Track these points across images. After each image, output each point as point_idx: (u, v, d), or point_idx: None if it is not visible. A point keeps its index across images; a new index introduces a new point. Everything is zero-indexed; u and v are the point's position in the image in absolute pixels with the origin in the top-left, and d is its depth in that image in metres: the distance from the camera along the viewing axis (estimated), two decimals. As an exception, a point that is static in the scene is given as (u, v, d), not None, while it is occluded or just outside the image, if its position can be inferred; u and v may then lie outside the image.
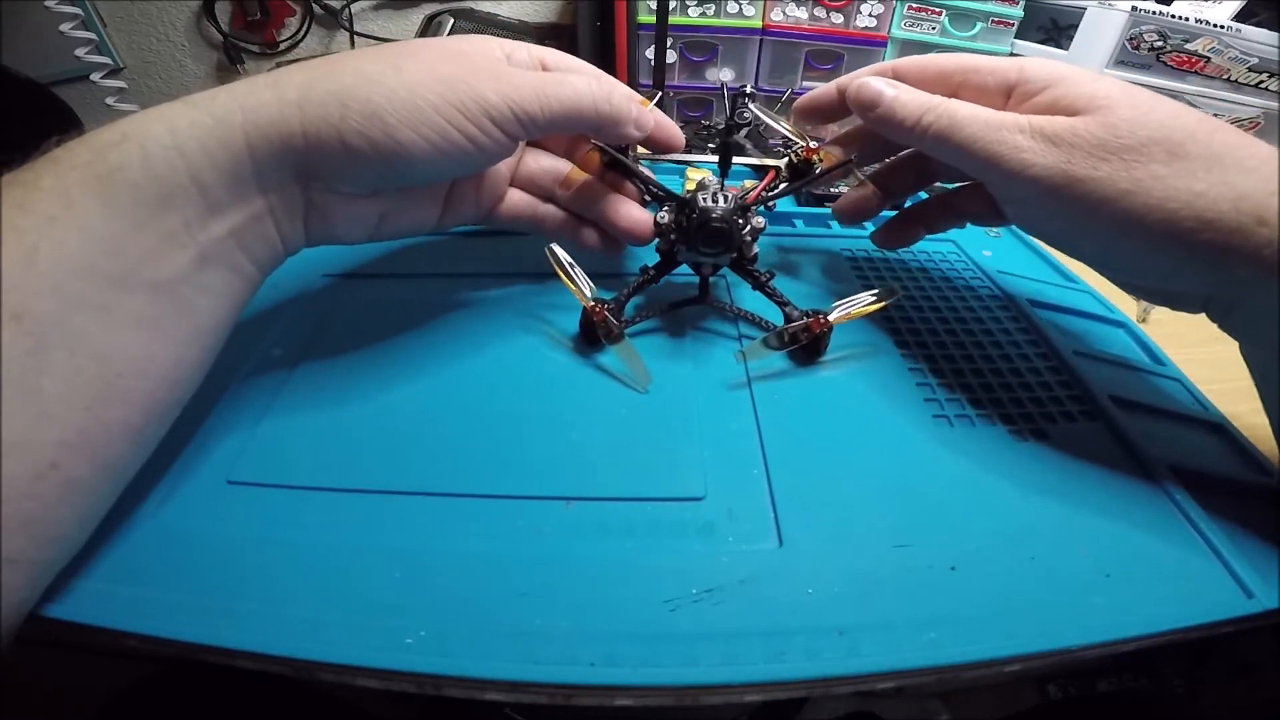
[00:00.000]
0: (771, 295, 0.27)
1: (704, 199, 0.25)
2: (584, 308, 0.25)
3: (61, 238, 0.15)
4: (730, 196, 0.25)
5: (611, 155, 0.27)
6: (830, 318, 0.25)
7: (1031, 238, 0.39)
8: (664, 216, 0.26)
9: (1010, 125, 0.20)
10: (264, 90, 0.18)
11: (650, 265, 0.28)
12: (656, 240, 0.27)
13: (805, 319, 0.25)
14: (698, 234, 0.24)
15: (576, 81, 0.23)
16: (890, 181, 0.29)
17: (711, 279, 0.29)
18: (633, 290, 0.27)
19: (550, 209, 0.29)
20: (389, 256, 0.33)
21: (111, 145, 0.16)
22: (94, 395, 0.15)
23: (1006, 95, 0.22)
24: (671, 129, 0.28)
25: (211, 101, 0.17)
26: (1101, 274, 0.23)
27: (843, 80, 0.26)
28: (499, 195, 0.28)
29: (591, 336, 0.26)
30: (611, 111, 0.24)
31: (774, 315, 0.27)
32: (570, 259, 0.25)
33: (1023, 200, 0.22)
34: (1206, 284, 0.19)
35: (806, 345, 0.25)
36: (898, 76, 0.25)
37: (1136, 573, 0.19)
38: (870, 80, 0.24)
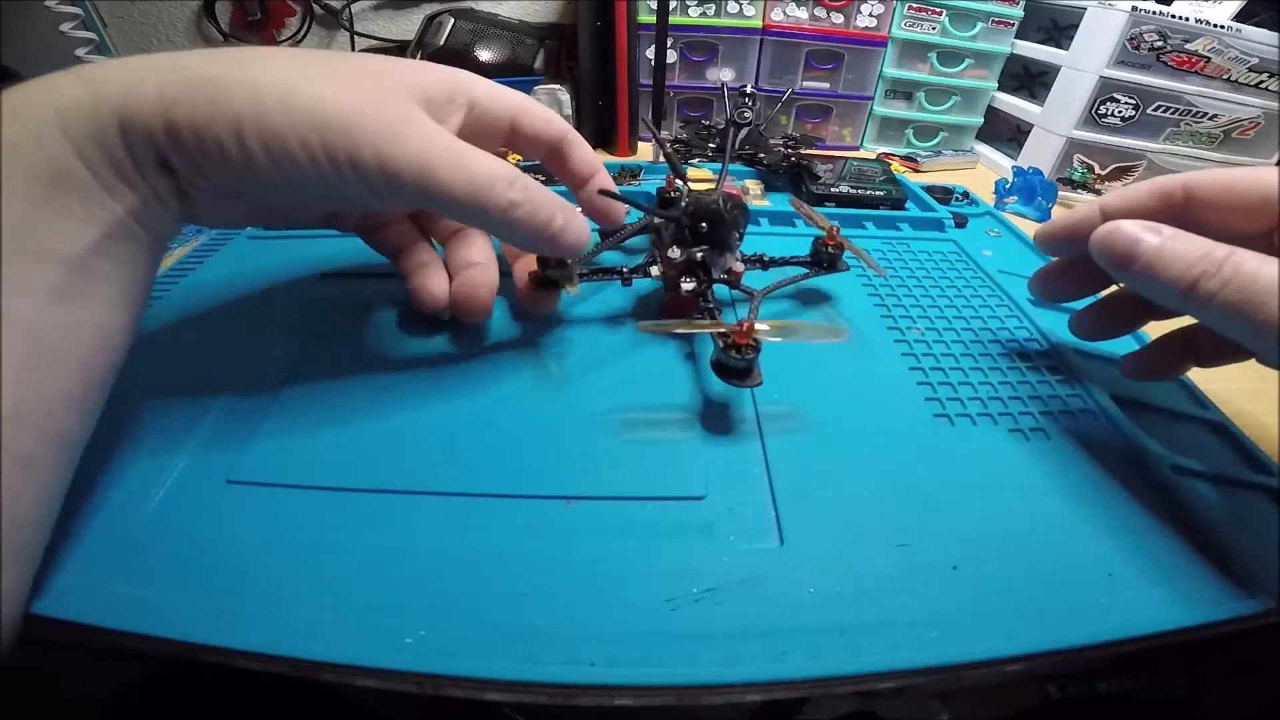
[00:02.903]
0: (775, 262, 0.29)
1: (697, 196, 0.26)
2: (732, 338, 0.22)
3: None
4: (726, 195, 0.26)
5: (548, 278, 0.26)
6: (757, 327, 0.22)
7: (1021, 227, 0.39)
8: (675, 252, 0.26)
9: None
10: (147, 80, 0.17)
11: (698, 295, 0.26)
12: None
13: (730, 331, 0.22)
14: (692, 220, 0.25)
15: (478, 166, 0.19)
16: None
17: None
18: (712, 307, 0.26)
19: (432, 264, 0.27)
20: (389, 256, 0.33)
21: (3, 121, 0.16)
22: (26, 367, 0.15)
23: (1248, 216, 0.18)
24: (611, 212, 0.27)
25: (92, 80, 0.16)
26: None
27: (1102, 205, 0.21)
28: (382, 219, 0.27)
29: (750, 368, 0.22)
30: (505, 220, 0.20)
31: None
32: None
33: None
34: None
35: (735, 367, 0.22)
36: (1201, 198, 0.19)
37: (1138, 572, 0.19)
38: (1125, 226, 0.18)
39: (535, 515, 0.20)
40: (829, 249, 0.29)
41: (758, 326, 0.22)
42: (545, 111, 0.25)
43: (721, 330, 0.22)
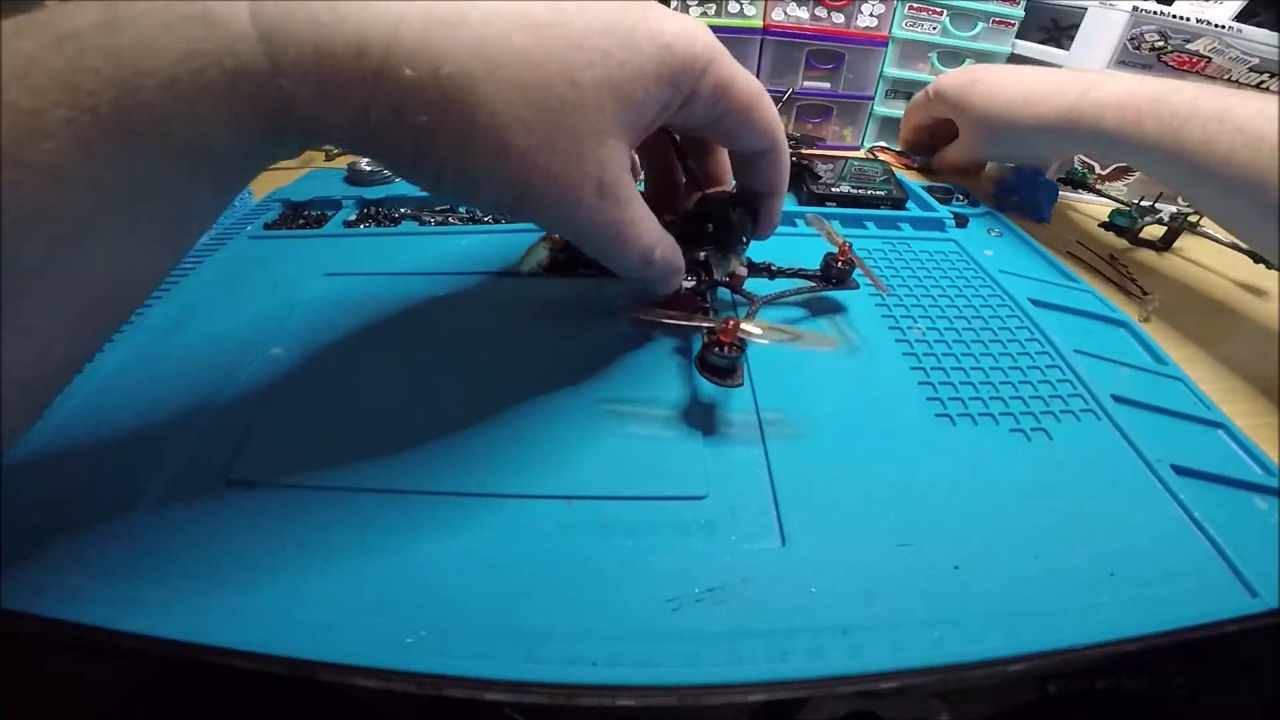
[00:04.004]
0: (784, 273, 0.29)
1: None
2: (718, 333, 0.22)
3: None
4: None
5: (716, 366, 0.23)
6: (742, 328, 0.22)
7: (1022, 227, 0.39)
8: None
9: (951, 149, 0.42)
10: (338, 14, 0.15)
11: (695, 296, 0.26)
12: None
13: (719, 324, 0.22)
14: (697, 219, 0.25)
15: (634, 243, 0.20)
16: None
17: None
18: (713, 304, 0.26)
19: None
20: (390, 256, 0.33)
21: None
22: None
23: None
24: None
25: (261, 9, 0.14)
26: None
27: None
28: None
29: (733, 366, 0.22)
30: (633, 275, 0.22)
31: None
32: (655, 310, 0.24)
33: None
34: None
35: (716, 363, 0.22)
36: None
37: (1140, 572, 0.19)
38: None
39: (536, 515, 0.20)
40: (839, 265, 0.29)
41: (744, 327, 0.22)
42: (771, 115, 0.22)
43: (709, 326, 0.22)
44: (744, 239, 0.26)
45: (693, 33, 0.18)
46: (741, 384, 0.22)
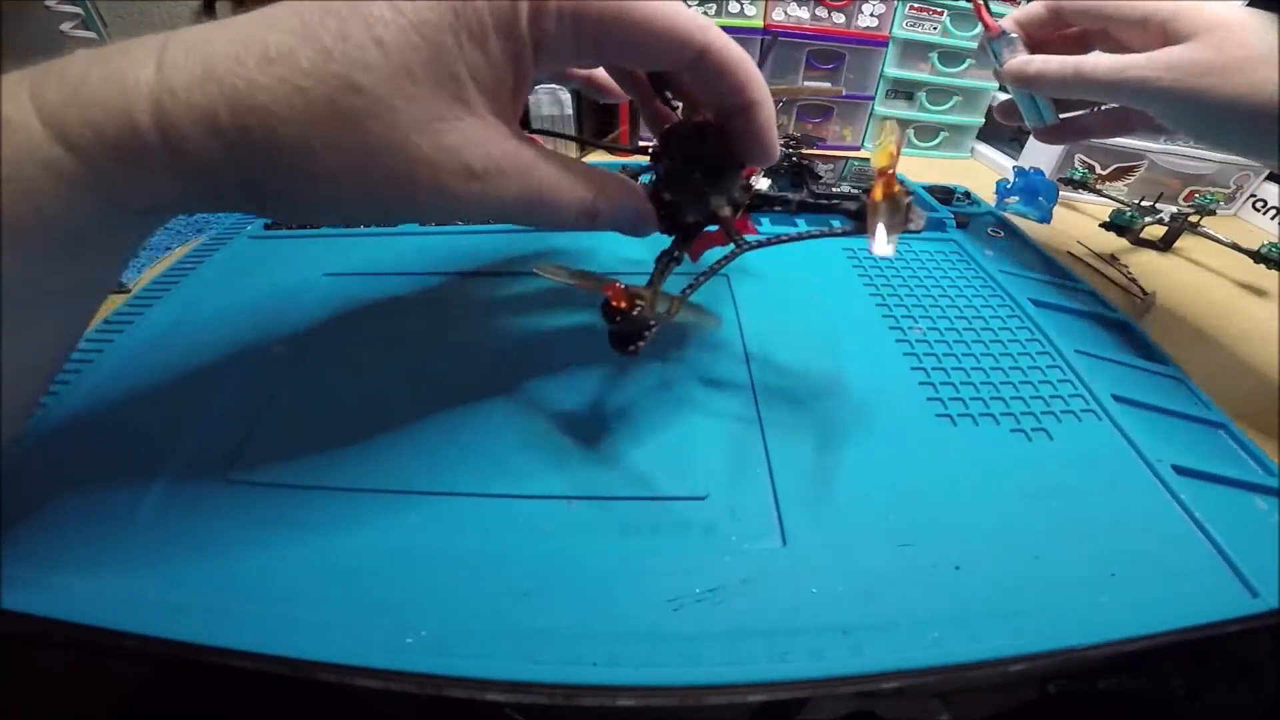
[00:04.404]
0: (818, 207, 0.24)
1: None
2: (607, 299, 0.18)
3: None
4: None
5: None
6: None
7: (1022, 227, 0.39)
8: (650, 178, 0.22)
9: (1131, 64, 0.27)
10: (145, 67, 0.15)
11: (667, 248, 0.22)
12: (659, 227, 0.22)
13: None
14: (678, 151, 0.21)
15: (566, 197, 0.18)
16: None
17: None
18: (658, 277, 0.21)
19: None
20: (390, 255, 0.33)
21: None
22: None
23: (1142, 26, 0.28)
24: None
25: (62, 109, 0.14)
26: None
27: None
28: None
29: (627, 334, 0.19)
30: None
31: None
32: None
33: (1161, 111, 0.27)
34: None
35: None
36: (1065, 10, 0.31)
37: (1141, 572, 0.19)
38: (1013, 61, 0.31)
39: (536, 515, 0.20)
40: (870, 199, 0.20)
41: (639, 294, 0.18)
42: (671, 15, 0.17)
43: (595, 287, 0.19)
44: (728, 172, 0.21)
45: None
46: (635, 354, 0.19)
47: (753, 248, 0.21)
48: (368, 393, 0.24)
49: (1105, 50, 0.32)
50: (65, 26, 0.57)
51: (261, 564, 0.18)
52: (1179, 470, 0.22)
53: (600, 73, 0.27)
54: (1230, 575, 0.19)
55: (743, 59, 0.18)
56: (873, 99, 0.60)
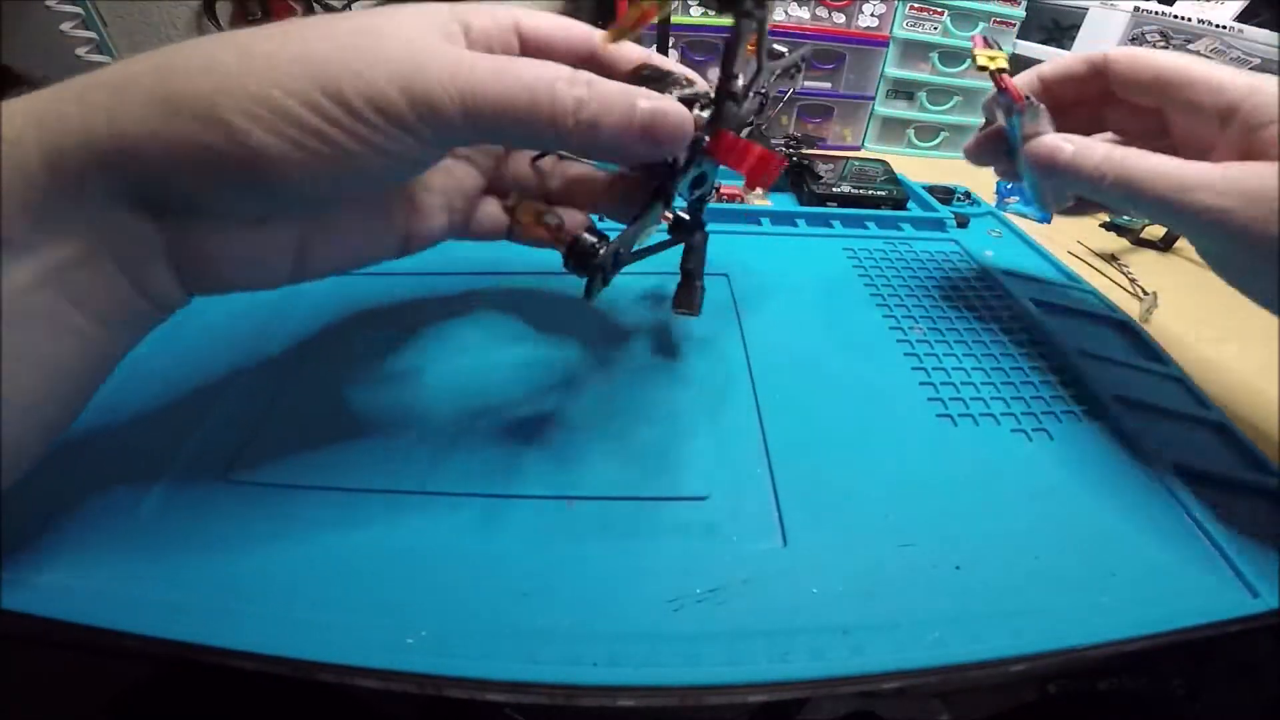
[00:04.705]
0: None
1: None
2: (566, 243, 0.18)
3: None
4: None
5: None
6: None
7: (1023, 227, 0.39)
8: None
9: (1200, 184, 0.19)
10: (69, 98, 0.14)
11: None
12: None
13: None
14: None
15: (526, 71, 0.15)
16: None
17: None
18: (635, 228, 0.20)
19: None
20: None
21: None
22: None
23: (1222, 119, 0.21)
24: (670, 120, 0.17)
25: (9, 119, 0.14)
26: None
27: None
28: (461, 207, 0.22)
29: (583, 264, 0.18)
30: (581, 124, 0.16)
31: None
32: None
33: (1213, 246, 0.21)
34: None
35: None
36: (1115, 71, 0.24)
37: (1141, 572, 0.19)
38: (1045, 140, 0.24)
39: (537, 515, 0.20)
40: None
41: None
42: (550, 17, 0.19)
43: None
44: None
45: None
46: (590, 298, 0.19)
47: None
48: (368, 393, 0.24)
49: (1137, 127, 0.25)
50: (65, 26, 0.57)
51: (262, 564, 0.18)
52: (1180, 470, 0.22)
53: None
54: (1230, 575, 0.19)
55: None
56: (873, 99, 0.60)
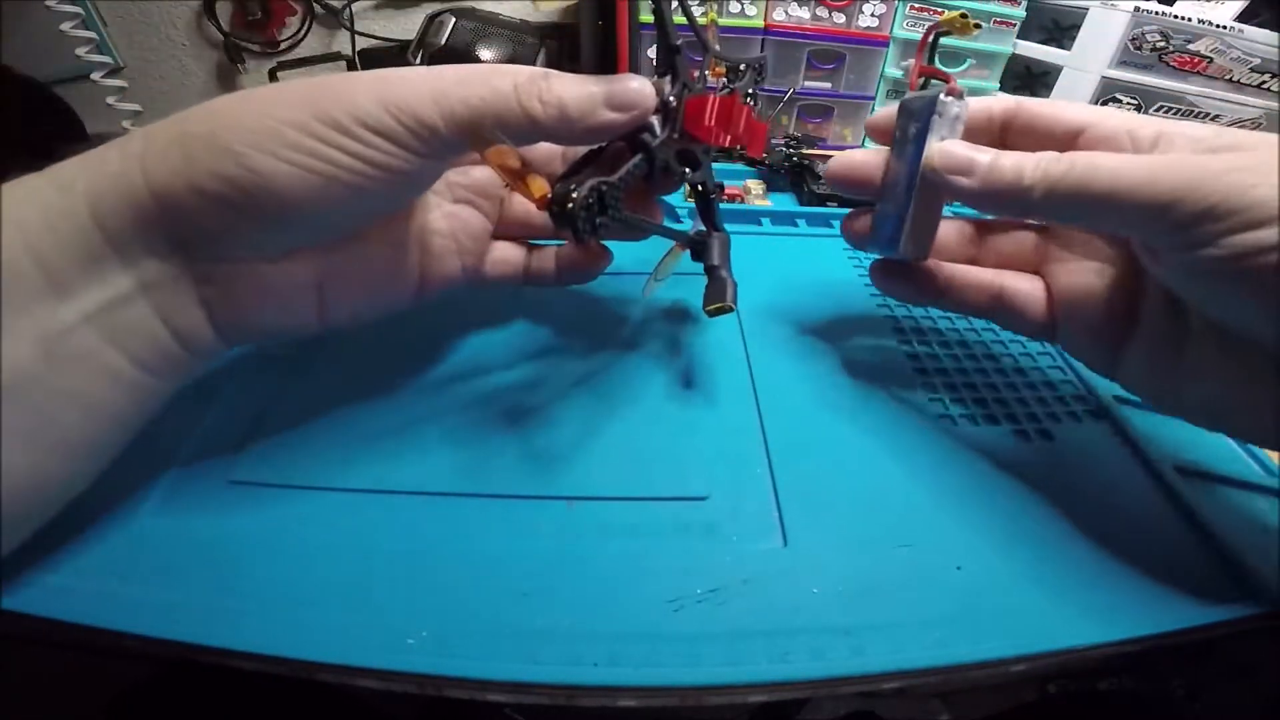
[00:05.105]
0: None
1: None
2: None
3: None
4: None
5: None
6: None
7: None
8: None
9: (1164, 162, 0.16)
10: (111, 150, 0.15)
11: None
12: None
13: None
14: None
15: (490, 71, 0.17)
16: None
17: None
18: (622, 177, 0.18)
19: (546, 256, 0.25)
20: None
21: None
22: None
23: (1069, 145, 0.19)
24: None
25: (57, 172, 0.15)
26: None
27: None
28: (472, 249, 0.23)
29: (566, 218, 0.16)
30: (538, 103, 0.17)
31: None
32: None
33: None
34: None
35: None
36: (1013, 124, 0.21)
37: (1142, 572, 0.19)
38: (951, 148, 0.20)
39: (537, 516, 0.20)
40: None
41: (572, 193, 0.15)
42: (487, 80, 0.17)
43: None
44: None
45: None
46: (580, 240, 0.16)
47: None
48: (368, 394, 0.24)
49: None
50: (65, 27, 0.57)
51: (262, 564, 0.18)
52: (1181, 471, 0.22)
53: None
54: (1230, 575, 0.19)
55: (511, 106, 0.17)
56: (873, 99, 0.60)
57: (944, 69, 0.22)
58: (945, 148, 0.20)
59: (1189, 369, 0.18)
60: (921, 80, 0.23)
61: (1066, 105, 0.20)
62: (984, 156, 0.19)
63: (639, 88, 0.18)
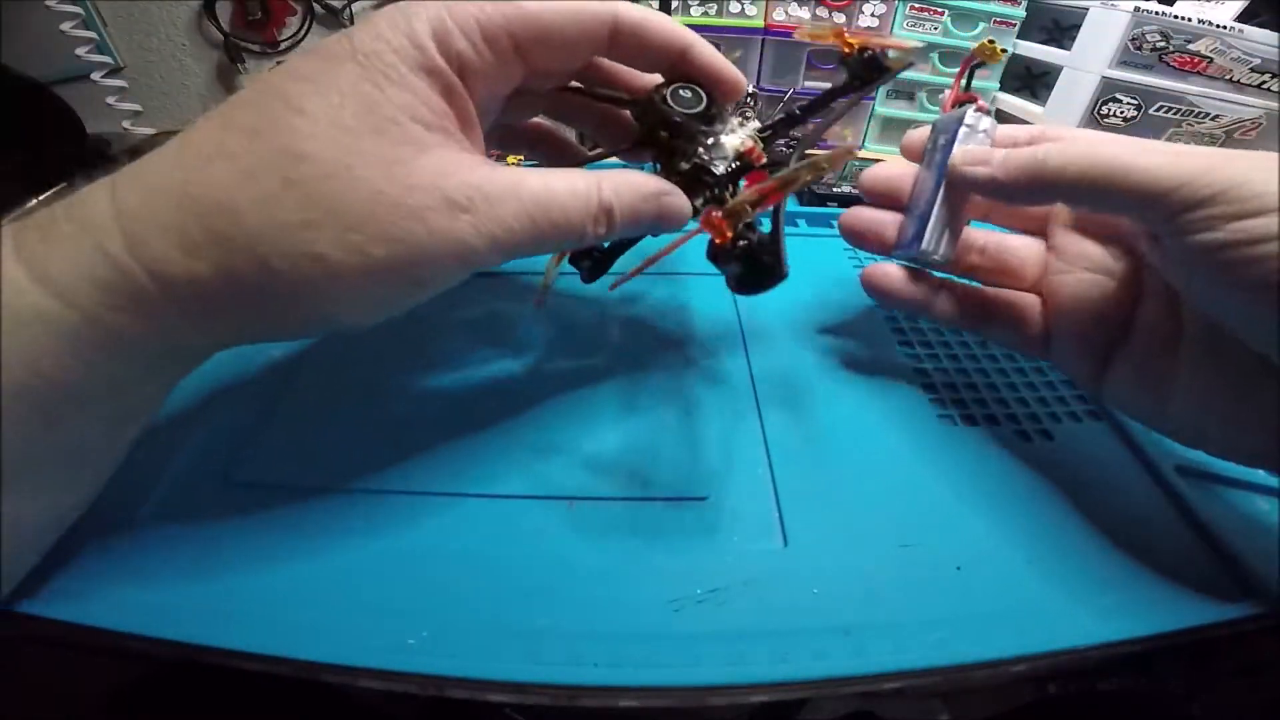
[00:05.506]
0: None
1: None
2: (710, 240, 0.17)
3: None
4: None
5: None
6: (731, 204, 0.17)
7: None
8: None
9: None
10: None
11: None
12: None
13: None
14: (644, 112, 0.20)
15: (574, 213, 0.17)
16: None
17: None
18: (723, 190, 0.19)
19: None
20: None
21: None
22: None
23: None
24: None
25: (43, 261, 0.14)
26: None
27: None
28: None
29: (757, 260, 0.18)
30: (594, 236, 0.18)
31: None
32: None
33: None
34: None
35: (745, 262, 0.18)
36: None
37: (1143, 572, 0.19)
38: (971, 147, 0.22)
39: (538, 516, 0.20)
40: (854, 56, 0.21)
41: (731, 204, 0.16)
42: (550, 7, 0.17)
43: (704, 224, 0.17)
44: (710, 111, 0.20)
45: (373, 26, 0.15)
46: (785, 273, 0.18)
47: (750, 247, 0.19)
48: (368, 393, 0.24)
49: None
50: (65, 27, 0.57)
51: (262, 564, 0.18)
52: (1181, 471, 0.22)
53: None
54: (1230, 576, 0.19)
55: (651, 13, 0.18)
56: (873, 99, 0.60)
57: (969, 90, 0.24)
58: (966, 147, 0.22)
59: (1177, 383, 0.19)
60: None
61: (1082, 134, 0.21)
62: (1000, 153, 0.20)
63: (679, 215, 0.19)
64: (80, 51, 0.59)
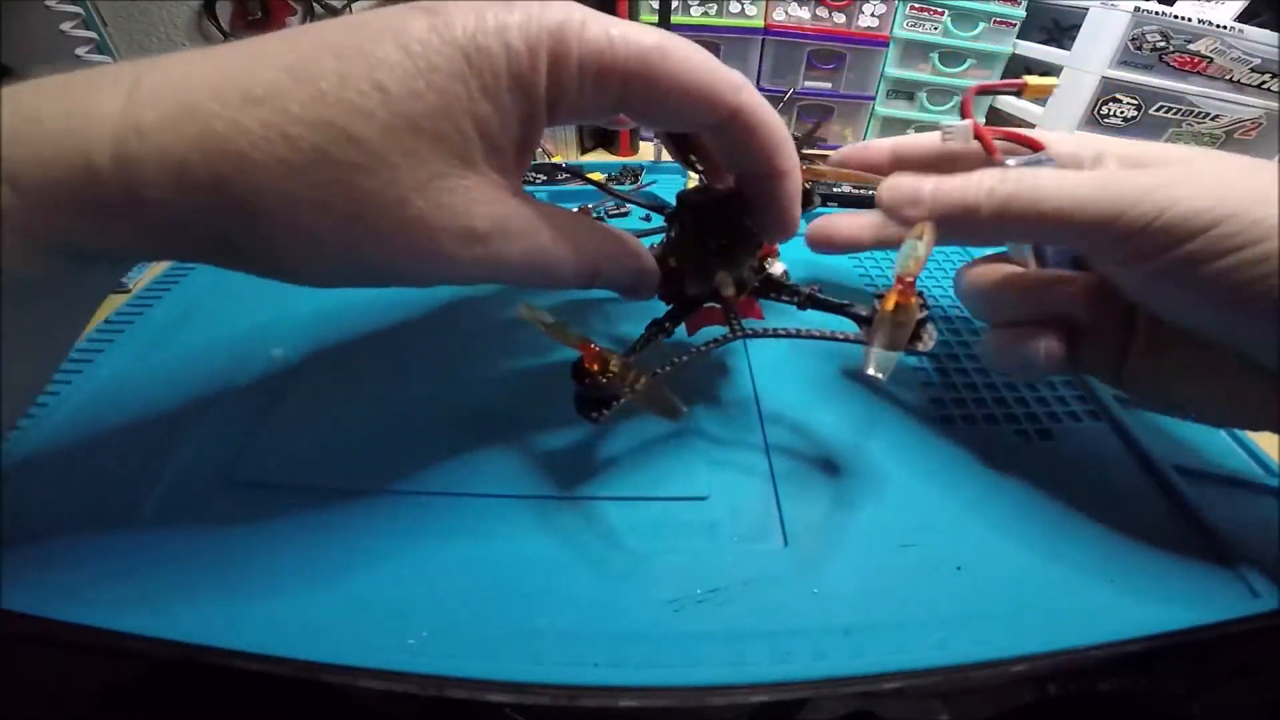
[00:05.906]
0: (826, 305, 0.21)
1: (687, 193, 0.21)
2: (579, 359, 0.17)
3: None
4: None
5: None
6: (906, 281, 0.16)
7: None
8: (657, 249, 0.22)
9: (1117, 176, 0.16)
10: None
11: (660, 317, 0.22)
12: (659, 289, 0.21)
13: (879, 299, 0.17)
14: (689, 218, 0.20)
15: (565, 257, 0.17)
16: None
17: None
18: (642, 345, 0.20)
19: None
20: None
21: None
22: None
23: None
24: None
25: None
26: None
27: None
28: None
29: (593, 399, 0.18)
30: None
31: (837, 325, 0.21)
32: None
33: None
34: None
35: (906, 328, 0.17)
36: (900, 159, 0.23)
37: (1143, 573, 0.19)
38: (895, 179, 0.19)
39: (538, 516, 0.20)
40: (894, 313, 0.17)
41: (611, 365, 0.16)
42: (703, 71, 0.16)
43: (572, 343, 0.17)
44: (740, 247, 0.20)
45: (490, 18, 0.14)
46: (596, 421, 0.18)
47: (749, 336, 0.20)
48: (369, 394, 0.24)
49: None
50: (65, 26, 0.57)
51: (262, 564, 0.18)
52: (1182, 471, 0.22)
53: None
54: (1230, 575, 0.19)
55: (776, 124, 0.17)
56: (873, 99, 0.60)
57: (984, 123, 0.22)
58: (890, 180, 0.20)
59: (1171, 368, 0.19)
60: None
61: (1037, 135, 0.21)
62: (928, 184, 0.19)
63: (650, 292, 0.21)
64: (80, 51, 0.59)
